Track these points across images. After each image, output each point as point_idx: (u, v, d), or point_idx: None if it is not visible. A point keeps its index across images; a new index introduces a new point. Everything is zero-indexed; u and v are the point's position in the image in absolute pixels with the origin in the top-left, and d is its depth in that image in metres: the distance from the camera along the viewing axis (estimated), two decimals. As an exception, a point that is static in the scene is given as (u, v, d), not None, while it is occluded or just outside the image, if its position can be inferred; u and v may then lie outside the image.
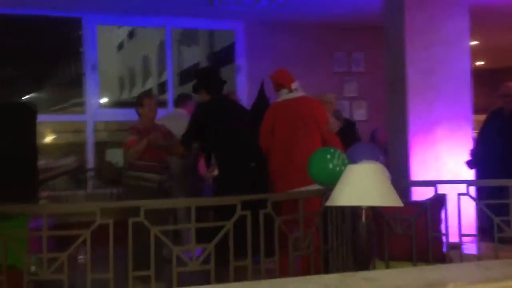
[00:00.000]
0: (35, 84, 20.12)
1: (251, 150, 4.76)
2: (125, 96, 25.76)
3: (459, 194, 3.40)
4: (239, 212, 2.73)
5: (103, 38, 30.15)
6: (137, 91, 25.92)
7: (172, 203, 3.40)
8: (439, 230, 3.48)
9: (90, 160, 7.84)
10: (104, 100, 23.62)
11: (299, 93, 4.98)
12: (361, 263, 2.62)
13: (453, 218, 3.50)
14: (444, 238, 3.48)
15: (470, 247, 4.08)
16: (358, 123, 9.11)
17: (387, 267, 3.32)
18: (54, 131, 20.89)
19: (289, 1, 7.59)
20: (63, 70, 19.08)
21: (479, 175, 5.24)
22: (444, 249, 3.49)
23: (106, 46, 29.32)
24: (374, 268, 3.21)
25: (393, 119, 6.11)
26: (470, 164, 5.19)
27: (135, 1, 7.55)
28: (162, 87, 22.10)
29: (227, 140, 4.77)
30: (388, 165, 6.10)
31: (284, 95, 4.94)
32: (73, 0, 7.30)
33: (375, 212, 3.41)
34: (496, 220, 3.39)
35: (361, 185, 2.59)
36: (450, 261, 3.40)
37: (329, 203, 2.60)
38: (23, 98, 21.18)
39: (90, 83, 7.93)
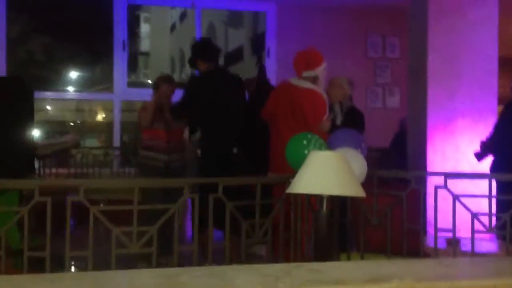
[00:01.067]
0: (86, 61, 20.60)
1: (236, 131, 4.68)
2: (175, 77, 25.99)
3: (436, 187, 3.21)
4: (187, 195, 2.68)
5: (157, 20, 30.57)
6: (186, 72, 26.16)
7: (112, 183, 3.34)
8: (416, 223, 3.31)
9: (116, 139, 7.93)
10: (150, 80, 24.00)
11: (303, 84, 4.71)
12: (321, 254, 2.51)
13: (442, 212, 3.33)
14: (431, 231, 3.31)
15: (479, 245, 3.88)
16: (391, 111, 8.90)
17: (362, 259, 3.20)
18: (104, 109, 21.40)
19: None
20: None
21: (495, 168, 4.96)
22: (429, 244, 3.33)
23: (160, 28, 29.74)
24: (349, 260, 3.09)
25: (413, 107, 5.89)
26: (478, 155, 4.93)
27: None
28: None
29: (213, 117, 4.72)
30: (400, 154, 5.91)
31: (291, 79, 4.79)
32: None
33: (352, 202, 3.28)
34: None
35: (322, 173, 2.47)
36: (426, 256, 3.23)
37: (289, 190, 2.50)
38: (74, 75, 21.73)
39: (118, 62, 8.00)
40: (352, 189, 2.50)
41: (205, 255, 2.99)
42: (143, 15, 33.34)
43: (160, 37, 29.71)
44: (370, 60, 8.94)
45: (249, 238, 2.78)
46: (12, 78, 3.90)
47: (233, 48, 18.06)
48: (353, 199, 3.27)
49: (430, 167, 5.55)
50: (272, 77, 8.62)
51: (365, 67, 8.89)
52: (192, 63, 5.06)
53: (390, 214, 3.24)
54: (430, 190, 3.75)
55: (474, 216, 3.14)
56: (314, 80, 4.68)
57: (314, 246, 2.72)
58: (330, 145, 3.18)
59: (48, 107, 21.01)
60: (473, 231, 3.11)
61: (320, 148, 3.08)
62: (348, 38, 8.80)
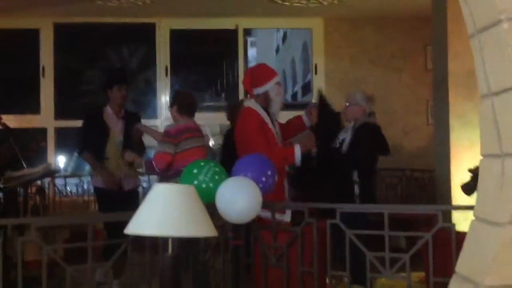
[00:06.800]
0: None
1: None
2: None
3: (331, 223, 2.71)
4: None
5: (263, 43, 31.04)
6: (286, 95, 26.04)
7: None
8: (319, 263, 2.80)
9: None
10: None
11: (246, 102, 4.28)
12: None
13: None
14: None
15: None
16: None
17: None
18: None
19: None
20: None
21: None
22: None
23: (265, 51, 30.07)
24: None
25: (437, 121, 5.27)
26: (467, 188, 4.09)
27: (206, 5, 7.49)
28: (306, 90, 21.90)
29: None
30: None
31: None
32: (147, 6, 7.40)
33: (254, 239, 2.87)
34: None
35: (164, 211, 2.15)
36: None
37: (126, 231, 2.19)
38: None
39: (161, 88, 8.03)
40: (200, 229, 2.15)
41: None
42: (250, 40, 33.81)
43: (266, 60, 29.94)
44: (430, 72, 8.22)
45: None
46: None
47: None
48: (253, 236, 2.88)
49: (455, 186, 4.91)
50: (321, 95, 8.23)
51: (426, 79, 8.19)
52: None
53: (286, 253, 2.79)
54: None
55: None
56: (265, 97, 4.14)
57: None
58: (233, 173, 2.83)
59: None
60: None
61: (213, 177, 2.74)
62: (404, 49, 8.18)
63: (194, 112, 4.58)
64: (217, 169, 2.82)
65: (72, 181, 7.71)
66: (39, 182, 6.30)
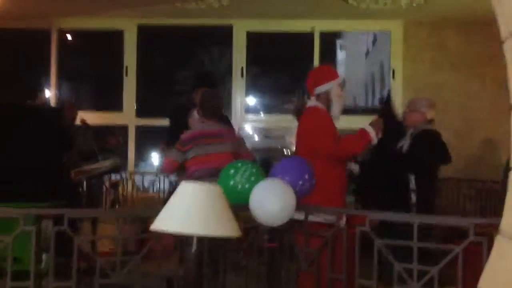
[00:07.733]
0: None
1: None
2: (362, 103, 25.71)
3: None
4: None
5: (352, 46, 30.60)
6: (371, 99, 25.67)
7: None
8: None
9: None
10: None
11: (309, 102, 4.10)
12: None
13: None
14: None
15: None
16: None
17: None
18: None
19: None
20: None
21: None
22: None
23: (354, 54, 29.82)
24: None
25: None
26: None
27: (281, 7, 7.51)
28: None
29: None
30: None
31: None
32: (223, 8, 7.54)
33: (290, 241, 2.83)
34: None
35: (188, 209, 2.19)
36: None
37: (152, 227, 2.25)
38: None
39: (236, 89, 8.13)
40: (223, 228, 2.17)
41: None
42: (339, 42, 33.66)
43: (355, 64, 29.80)
44: (517, 78, 7.80)
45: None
46: (51, 108, 4.19)
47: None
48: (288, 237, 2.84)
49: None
50: (398, 100, 8.04)
51: (511, 86, 7.78)
52: None
53: (317, 258, 2.73)
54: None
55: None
56: (326, 96, 4.02)
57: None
58: (272, 174, 2.82)
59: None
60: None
61: (249, 178, 2.74)
62: (488, 54, 7.81)
63: (216, 115, 4.38)
64: (254, 170, 2.83)
65: (151, 178, 7.96)
66: (114, 177, 6.57)
